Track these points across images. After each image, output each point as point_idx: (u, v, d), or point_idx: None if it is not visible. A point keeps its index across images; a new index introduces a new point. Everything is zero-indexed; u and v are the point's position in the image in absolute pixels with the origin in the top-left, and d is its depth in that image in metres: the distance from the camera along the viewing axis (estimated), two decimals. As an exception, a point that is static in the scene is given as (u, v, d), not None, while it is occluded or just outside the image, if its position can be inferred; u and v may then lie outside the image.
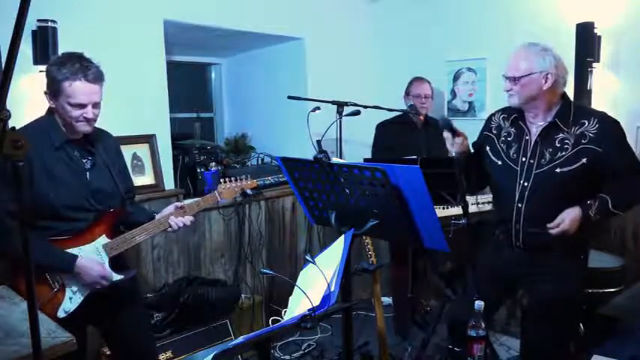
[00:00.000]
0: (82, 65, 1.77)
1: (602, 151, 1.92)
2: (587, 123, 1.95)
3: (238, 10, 3.33)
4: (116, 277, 1.92)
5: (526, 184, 2.01)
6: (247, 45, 4.02)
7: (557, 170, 1.95)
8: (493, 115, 2.23)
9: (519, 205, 2.03)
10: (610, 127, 1.97)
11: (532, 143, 2.02)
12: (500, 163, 2.11)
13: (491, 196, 2.49)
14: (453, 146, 2.06)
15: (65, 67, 1.76)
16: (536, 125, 2.04)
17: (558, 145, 1.97)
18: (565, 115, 1.98)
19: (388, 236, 2.34)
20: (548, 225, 1.92)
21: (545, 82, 1.95)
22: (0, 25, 1.47)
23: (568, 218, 1.90)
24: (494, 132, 2.17)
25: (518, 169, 2.04)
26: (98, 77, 1.82)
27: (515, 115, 2.09)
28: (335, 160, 1.71)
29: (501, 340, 3.28)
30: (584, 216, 1.91)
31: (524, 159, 2.03)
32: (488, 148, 2.17)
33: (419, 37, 3.93)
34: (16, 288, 1.77)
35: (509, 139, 2.11)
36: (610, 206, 1.92)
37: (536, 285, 2.10)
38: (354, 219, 1.66)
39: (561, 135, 1.97)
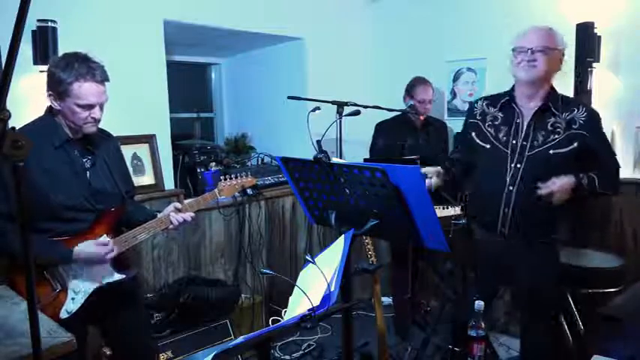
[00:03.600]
0: (88, 66, 1.77)
1: (590, 137, 2.03)
2: (576, 110, 2.07)
3: (238, 10, 3.33)
4: (118, 276, 1.92)
5: (519, 166, 2.06)
6: (247, 45, 4.02)
7: (551, 152, 2.02)
8: (475, 102, 2.29)
9: (510, 188, 2.07)
10: (596, 116, 2.09)
11: (525, 126, 2.08)
12: (488, 146, 2.15)
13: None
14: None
15: (72, 68, 1.74)
16: (527, 109, 2.10)
17: (550, 129, 2.05)
18: (555, 100, 2.07)
19: (388, 236, 2.34)
20: (539, 184, 1.95)
21: (560, 62, 2.05)
22: (0, 25, 1.47)
23: (559, 181, 1.94)
24: (479, 117, 2.22)
25: (509, 151, 2.08)
26: (105, 77, 1.83)
27: (506, 98, 2.15)
28: (335, 160, 1.71)
29: (501, 340, 3.28)
30: (576, 183, 1.97)
31: (514, 142, 2.08)
32: (473, 134, 2.21)
33: (419, 37, 3.93)
34: (16, 288, 1.76)
35: (496, 122, 2.15)
36: (597, 185, 2.00)
37: (519, 277, 2.15)
38: (354, 219, 1.66)
39: (553, 119, 2.05)
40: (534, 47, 2.01)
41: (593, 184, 2.00)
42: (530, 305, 2.17)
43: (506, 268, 2.18)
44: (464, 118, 3.81)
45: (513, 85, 2.16)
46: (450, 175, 2.24)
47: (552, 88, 2.10)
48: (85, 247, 1.83)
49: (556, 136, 2.03)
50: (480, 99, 2.27)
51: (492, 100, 2.21)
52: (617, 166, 2.15)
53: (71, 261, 1.82)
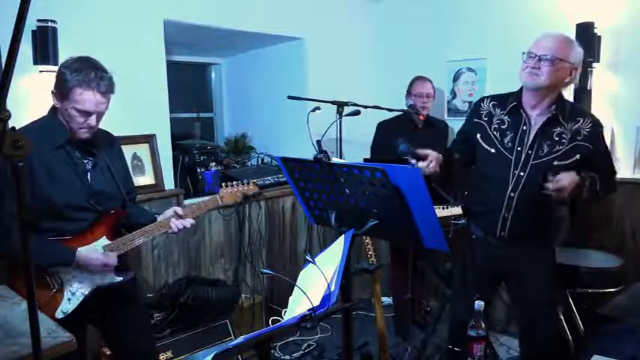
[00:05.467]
0: (96, 75, 1.77)
1: (593, 149, 2.02)
2: (581, 121, 2.03)
3: (238, 10, 3.33)
4: (116, 278, 1.92)
5: (522, 173, 2.04)
6: (247, 45, 4.02)
7: (555, 163, 2.00)
8: (482, 101, 2.22)
9: (512, 194, 2.05)
10: (600, 128, 2.08)
11: (532, 134, 2.04)
12: (493, 151, 2.11)
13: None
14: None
15: (80, 73, 1.75)
16: (534, 116, 2.06)
17: (556, 139, 2.02)
18: (563, 110, 2.03)
19: (388, 236, 2.34)
20: (548, 180, 1.91)
21: (570, 75, 1.99)
22: (0, 25, 1.47)
23: (567, 177, 1.90)
24: (485, 119, 2.16)
25: (513, 158, 2.06)
26: (110, 89, 1.83)
27: (514, 103, 2.08)
28: (335, 160, 1.71)
29: (501, 340, 3.28)
30: (580, 180, 1.94)
31: (519, 148, 2.05)
32: (478, 135, 2.16)
33: (419, 37, 3.93)
34: (15, 289, 1.76)
35: (502, 127, 2.11)
36: (597, 187, 2.00)
37: (517, 280, 2.16)
38: (354, 219, 1.66)
39: (559, 129, 2.02)
40: (541, 55, 1.94)
41: (594, 185, 1.99)
42: (529, 307, 2.18)
43: (501, 271, 2.19)
44: (464, 118, 3.80)
45: (522, 88, 2.09)
46: (450, 165, 2.14)
47: (560, 97, 2.05)
48: (89, 254, 1.84)
49: (561, 147, 2.00)
50: (487, 98, 2.21)
51: (499, 101, 2.15)
52: (614, 172, 2.17)
53: (72, 265, 1.82)
